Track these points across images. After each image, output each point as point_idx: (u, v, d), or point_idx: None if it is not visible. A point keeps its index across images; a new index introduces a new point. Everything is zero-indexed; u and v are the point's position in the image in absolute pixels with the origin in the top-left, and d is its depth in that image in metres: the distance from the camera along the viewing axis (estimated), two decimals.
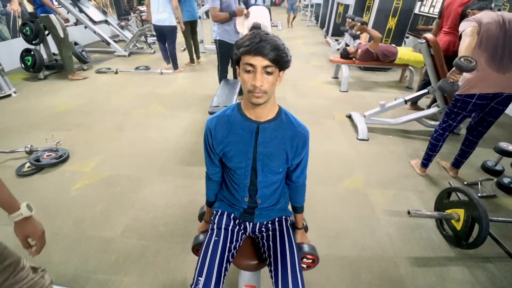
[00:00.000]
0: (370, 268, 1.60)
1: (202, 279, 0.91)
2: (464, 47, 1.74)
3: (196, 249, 1.16)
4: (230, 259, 1.02)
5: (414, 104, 3.66)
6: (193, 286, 0.91)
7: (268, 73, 0.79)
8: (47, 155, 2.38)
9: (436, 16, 5.29)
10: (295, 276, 0.93)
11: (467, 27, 1.79)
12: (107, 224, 1.82)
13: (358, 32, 4.02)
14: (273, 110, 0.93)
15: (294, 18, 9.64)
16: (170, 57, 4.74)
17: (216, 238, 1.02)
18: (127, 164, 2.42)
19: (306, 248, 1.12)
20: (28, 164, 2.30)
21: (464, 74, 1.90)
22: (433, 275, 1.58)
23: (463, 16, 2.00)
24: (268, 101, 0.86)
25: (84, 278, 1.49)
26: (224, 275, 0.96)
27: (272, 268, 0.97)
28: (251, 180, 1.00)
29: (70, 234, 1.75)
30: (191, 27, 4.90)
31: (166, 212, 1.93)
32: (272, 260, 0.99)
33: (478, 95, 1.91)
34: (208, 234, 1.06)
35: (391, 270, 1.59)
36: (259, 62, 0.77)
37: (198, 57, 5.42)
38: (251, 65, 0.78)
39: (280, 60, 0.78)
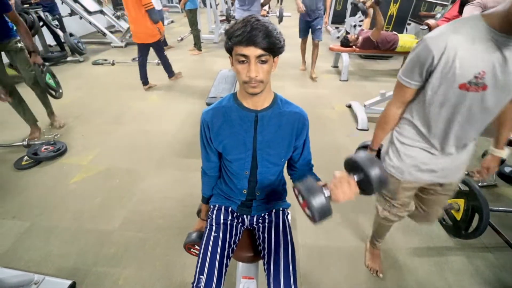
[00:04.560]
0: None
1: (203, 277, 0.90)
2: None
3: (187, 246, 1.15)
4: (230, 255, 1.01)
5: None
6: (194, 284, 0.90)
7: (263, 62, 0.77)
8: (45, 148, 2.37)
9: (438, 1, 5.16)
10: (287, 271, 0.92)
11: (470, 14, 1.72)
12: (106, 217, 1.82)
13: (367, 5, 3.71)
14: (270, 97, 0.92)
15: (317, 52, 4.05)
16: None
17: (215, 235, 1.00)
18: (125, 157, 2.41)
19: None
20: (26, 158, 2.29)
21: None
22: (432, 265, 1.58)
23: (463, 2, 1.91)
24: (264, 89, 0.84)
25: (84, 271, 1.49)
26: (225, 271, 0.95)
27: (266, 261, 0.96)
28: (251, 171, 0.98)
29: (69, 227, 1.75)
30: (192, 16, 4.91)
31: (164, 205, 1.92)
32: (266, 253, 0.98)
33: None
34: (207, 230, 1.04)
35: (390, 260, 1.59)
36: (252, 52, 0.74)
37: (199, 49, 5.36)
38: (244, 55, 0.75)
39: (273, 47, 0.75)
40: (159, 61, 4.58)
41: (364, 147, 1.47)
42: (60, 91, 2.75)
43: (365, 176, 0.69)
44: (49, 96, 2.67)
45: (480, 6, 1.72)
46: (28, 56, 2.40)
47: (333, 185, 0.71)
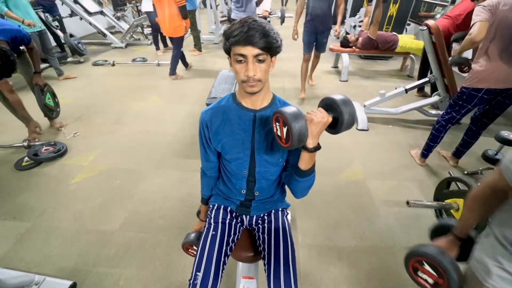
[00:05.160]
0: (369, 259, 1.61)
1: (200, 274, 0.91)
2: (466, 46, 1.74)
3: (186, 246, 1.16)
4: (228, 253, 1.02)
5: (421, 90, 3.61)
6: (191, 281, 0.91)
7: (260, 61, 0.78)
8: (45, 149, 2.37)
9: (439, 2, 5.17)
10: (288, 270, 0.92)
11: (477, 20, 1.67)
12: (106, 218, 1.82)
13: None
14: (268, 97, 0.93)
15: (317, 62, 3.78)
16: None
17: (213, 233, 1.02)
18: (125, 157, 2.41)
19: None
20: (26, 158, 2.30)
21: (473, 66, 1.86)
22: None
23: None
24: (263, 88, 0.85)
25: (84, 272, 1.50)
26: (223, 269, 0.96)
27: (266, 262, 0.97)
28: (250, 171, 0.99)
29: (70, 227, 1.76)
30: (191, 17, 4.88)
31: (165, 205, 1.93)
32: (266, 253, 0.99)
33: (486, 90, 1.85)
34: (205, 229, 1.05)
35: (390, 260, 1.60)
36: (250, 51, 0.76)
37: (199, 49, 5.37)
38: (242, 55, 0.77)
39: (270, 47, 0.77)
40: (159, 62, 4.62)
41: (444, 228, 1.00)
42: (58, 110, 2.88)
43: (338, 114, 0.75)
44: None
45: (490, 10, 1.67)
46: (29, 59, 2.45)
47: (306, 112, 0.77)
